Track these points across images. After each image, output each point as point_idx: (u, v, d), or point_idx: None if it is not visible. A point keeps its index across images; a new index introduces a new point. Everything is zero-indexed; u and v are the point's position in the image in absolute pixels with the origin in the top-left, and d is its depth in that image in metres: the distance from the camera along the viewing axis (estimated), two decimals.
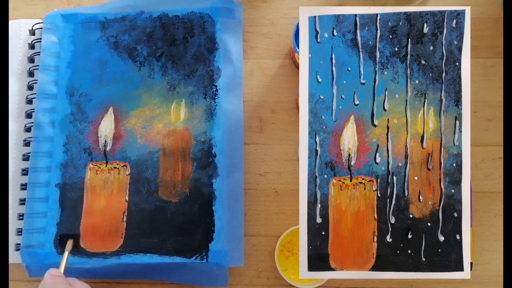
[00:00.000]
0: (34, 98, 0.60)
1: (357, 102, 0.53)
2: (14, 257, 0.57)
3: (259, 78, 0.62)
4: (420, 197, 0.52)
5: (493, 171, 0.58)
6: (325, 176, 0.52)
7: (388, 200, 0.52)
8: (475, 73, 0.59)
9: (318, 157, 0.52)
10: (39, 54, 0.61)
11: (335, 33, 0.53)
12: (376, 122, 0.53)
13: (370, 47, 0.53)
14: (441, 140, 0.52)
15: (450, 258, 0.51)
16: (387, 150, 0.52)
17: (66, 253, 0.54)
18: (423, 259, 0.51)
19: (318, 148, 0.52)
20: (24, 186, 0.58)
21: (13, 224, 0.58)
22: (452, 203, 0.52)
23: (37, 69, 0.61)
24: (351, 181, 0.52)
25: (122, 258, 0.56)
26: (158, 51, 0.61)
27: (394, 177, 0.52)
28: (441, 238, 0.51)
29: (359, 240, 0.52)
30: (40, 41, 0.62)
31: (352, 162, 0.52)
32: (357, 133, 0.53)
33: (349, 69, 0.53)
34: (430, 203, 0.52)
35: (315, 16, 0.53)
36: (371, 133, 0.53)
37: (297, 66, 0.60)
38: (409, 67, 0.52)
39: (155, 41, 0.61)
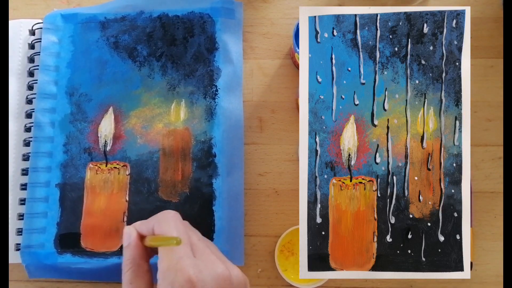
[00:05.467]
0: (34, 98, 0.60)
1: (357, 102, 0.53)
2: (14, 257, 0.57)
3: (259, 78, 0.62)
4: (420, 197, 0.52)
5: (493, 171, 0.58)
6: (325, 176, 0.52)
7: (388, 200, 0.52)
8: (475, 73, 0.59)
9: (318, 157, 0.52)
10: (39, 54, 0.61)
11: (335, 33, 0.53)
12: (376, 122, 0.53)
13: (370, 47, 0.53)
14: (441, 140, 0.52)
15: (450, 258, 0.51)
16: (387, 150, 0.52)
17: None
18: (423, 259, 0.51)
19: (318, 148, 0.52)
20: (24, 186, 0.58)
21: (13, 224, 0.58)
22: (452, 203, 0.52)
23: (37, 69, 0.61)
24: (351, 181, 0.52)
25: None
26: (158, 51, 0.61)
27: (394, 177, 0.52)
28: (441, 238, 0.51)
29: (359, 240, 0.52)
30: (40, 41, 0.62)
31: (352, 162, 0.52)
32: (357, 133, 0.53)
33: (349, 69, 0.53)
34: (430, 203, 0.52)
35: (315, 16, 0.52)
36: (371, 133, 0.53)
37: (297, 66, 0.60)
38: (409, 67, 0.52)
39: (155, 41, 0.61)
